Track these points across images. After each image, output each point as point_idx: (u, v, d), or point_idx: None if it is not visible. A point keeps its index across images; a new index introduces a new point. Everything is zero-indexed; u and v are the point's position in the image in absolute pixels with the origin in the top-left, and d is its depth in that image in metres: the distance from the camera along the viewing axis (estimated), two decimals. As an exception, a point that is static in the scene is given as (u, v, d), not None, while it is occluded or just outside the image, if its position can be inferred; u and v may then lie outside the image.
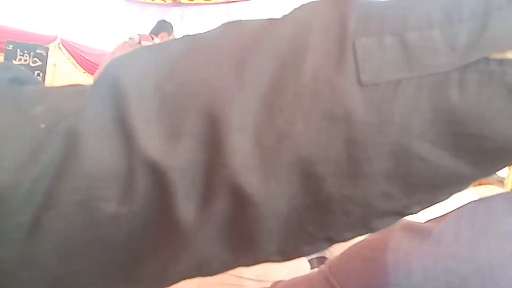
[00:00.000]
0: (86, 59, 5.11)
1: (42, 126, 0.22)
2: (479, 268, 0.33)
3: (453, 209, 0.39)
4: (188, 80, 0.22)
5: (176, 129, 0.21)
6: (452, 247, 0.35)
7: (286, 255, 0.24)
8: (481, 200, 0.38)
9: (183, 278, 0.25)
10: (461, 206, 0.38)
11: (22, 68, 0.28)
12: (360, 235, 0.24)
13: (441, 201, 0.23)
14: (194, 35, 0.24)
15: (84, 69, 5.11)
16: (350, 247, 0.43)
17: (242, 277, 0.72)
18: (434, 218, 0.40)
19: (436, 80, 0.20)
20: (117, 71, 0.23)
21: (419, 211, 0.23)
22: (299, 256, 0.25)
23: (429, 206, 0.23)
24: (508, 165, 0.22)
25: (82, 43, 5.12)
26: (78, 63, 5.10)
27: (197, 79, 0.22)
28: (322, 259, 1.06)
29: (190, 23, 5.29)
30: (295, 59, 0.21)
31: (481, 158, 0.21)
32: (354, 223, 0.23)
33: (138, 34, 2.94)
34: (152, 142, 0.21)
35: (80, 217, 0.21)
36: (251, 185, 0.21)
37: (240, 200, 0.21)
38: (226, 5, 5.16)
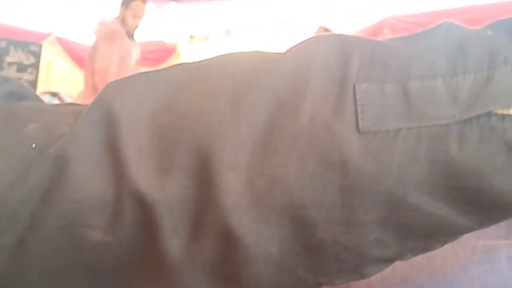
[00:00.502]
0: (80, 56, 5.06)
1: (33, 146, 0.22)
2: (433, 276, 0.34)
3: None
4: (184, 112, 0.22)
5: (167, 162, 0.21)
6: None
7: None
8: None
9: None
10: None
11: (22, 83, 0.28)
12: (352, 281, 0.24)
13: (434, 249, 0.23)
14: (193, 63, 0.24)
15: (78, 66, 5.05)
16: None
17: None
18: None
19: (436, 132, 0.20)
20: (113, 97, 0.23)
21: (411, 257, 0.23)
22: None
23: (422, 253, 0.23)
24: (505, 219, 0.22)
25: (76, 40, 5.07)
26: (72, 60, 5.04)
27: (193, 112, 0.22)
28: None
29: (187, 19, 5.25)
30: (293, 99, 0.21)
31: (476, 210, 0.21)
32: (347, 270, 0.23)
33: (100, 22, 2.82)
34: (141, 174, 0.21)
35: (65, 242, 0.21)
36: (242, 226, 0.21)
37: (229, 241, 0.21)
38: (223, 1, 5.12)
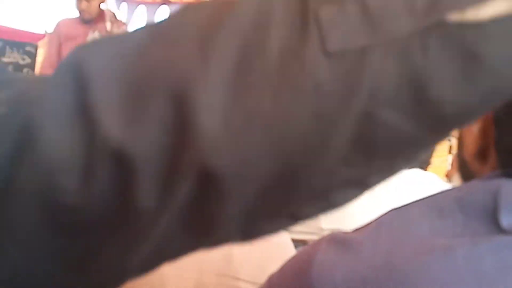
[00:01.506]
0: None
1: (3, 109, 0.22)
2: (395, 275, 0.34)
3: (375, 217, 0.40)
4: (154, 64, 0.22)
5: (142, 113, 0.21)
6: (370, 256, 0.36)
7: (247, 235, 0.25)
8: (400, 207, 0.39)
9: (143, 270, 0.26)
10: (382, 215, 0.40)
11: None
12: (322, 210, 0.25)
13: (398, 170, 0.24)
14: (157, 22, 0.25)
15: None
16: (287, 262, 0.44)
17: (238, 279, 0.75)
18: (359, 228, 0.41)
19: (400, 45, 0.20)
20: (80, 58, 0.23)
21: (378, 182, 0.24)
22: (260, 236, 0.25)
23: (387, 176, 0.24)
24: (460, 127, 0.24)
25: (71, 40, 5.09)
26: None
27: (162, 62, 0.22)
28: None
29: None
30: (259, 36, 0.21)
31: (439, 122, 0.22)
32: (316, 196, 0.24)
33: None
34: (115, 130, 0.21)
35: (39, 205, 0.22)
36: (220, 165, 0.21)
37: (206, 181, 0.21)
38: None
